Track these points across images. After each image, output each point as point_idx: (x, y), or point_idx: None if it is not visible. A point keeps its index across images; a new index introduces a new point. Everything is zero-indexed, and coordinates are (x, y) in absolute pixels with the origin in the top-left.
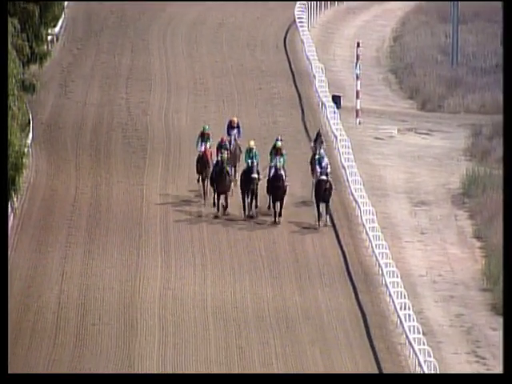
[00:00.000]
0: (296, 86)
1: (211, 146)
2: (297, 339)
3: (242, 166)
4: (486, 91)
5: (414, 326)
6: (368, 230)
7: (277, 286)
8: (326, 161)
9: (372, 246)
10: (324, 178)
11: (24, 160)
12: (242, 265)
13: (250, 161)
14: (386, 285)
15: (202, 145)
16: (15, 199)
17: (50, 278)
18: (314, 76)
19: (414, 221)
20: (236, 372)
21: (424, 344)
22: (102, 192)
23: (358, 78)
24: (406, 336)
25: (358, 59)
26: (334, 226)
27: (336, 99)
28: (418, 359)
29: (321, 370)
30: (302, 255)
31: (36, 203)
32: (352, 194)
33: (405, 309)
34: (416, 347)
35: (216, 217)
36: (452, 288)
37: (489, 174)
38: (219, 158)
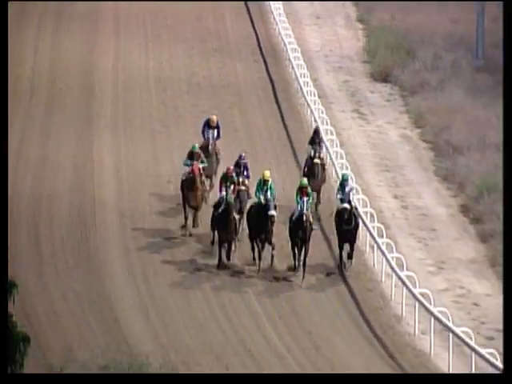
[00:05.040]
0: None
1: (202, 167)
2: (219, 101)
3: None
4: None
5: (311, 91)
6: (276, 16)
7: (204, 60)
8: (350, 185)
9: (278, 29)
10: (347, 206)
11: None
12: (179, 45)
13: (262, 194)
14: (290, 59)
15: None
16: None
17: (24, 52)
18: None
19: (311, 8)
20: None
21: (319, 104)
22: None
23: None
24: (305, 98)
25: None
26: (249, 14)
27: None
28: (314, 116)
29: (239, 129)
30: (224, 38)
31: None
32: None
33: (304, 77)
34: (313, 106)
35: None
36: (340, 60)
37: None
38: (223, 197)
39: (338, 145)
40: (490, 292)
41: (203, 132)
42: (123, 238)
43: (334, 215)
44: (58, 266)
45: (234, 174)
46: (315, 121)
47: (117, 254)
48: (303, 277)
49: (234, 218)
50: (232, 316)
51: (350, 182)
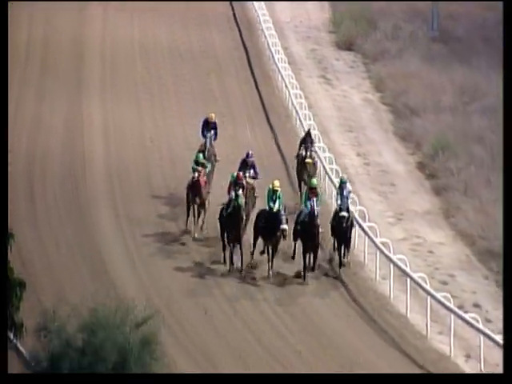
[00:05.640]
0: None
1: (206, 174)
2: (198, 68)
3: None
4: None
5: (281, 58)
6: None
7: (184, 32)
8: (348, 188)
9: (252, 2)
10: (345, 214)
11: None
12: (162, 18)
13: (272, 204)
14: (262, 29)
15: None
16: None
17: (20, 25)
18: None
19: None
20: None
21: (289, 70)
22: None
23: None
24: (276, 65)
25: None
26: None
27: None
28: (285, 81)
29: (216, 94)
30: (204, 11)
31: None
32: None
33: (275, 46)
34: (283, 73)
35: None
36: (308, 31)
37: None
38: (234, 202)
39: (307, 107)
40: (443, 241)
41: (202, 132)
42: (111, 192)
43: (330, 220)
44: (51, 218)
45: (243, 180)
46: (286, 86)
47: (105, 207)
48: (313, 269)
49: (243, 219)
50: (211, 264)
51: (348, 185)
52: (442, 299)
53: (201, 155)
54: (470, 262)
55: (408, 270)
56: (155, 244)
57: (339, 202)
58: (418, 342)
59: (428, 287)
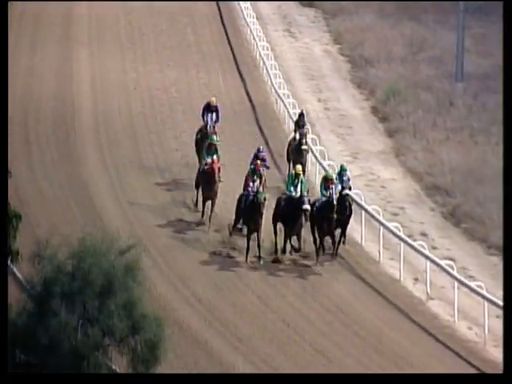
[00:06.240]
0: None
1: (219, 159)
2: (176, 22)
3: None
4: None
5: (250, 14)
6: None
7: None
8: (348, 175)
9: None
10: (348, 192)
11: None
12: None
13: (292, 188)
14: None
15: (209, 157)
16: None
17: None
18: None
19: None
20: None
21: (257, 24)
22: None
23: None
24: (245, 20)
25: None
26: None
27: None
28: (253, 35)
29: (192, 46)
30: None
31: None
32: None
33: (244, 3)
34: (252, 27)
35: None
36: None
37: None
38: (256, 194)
39: (273, 58)
40: (395, 177)
41: (203, 115)
42: (97, 137)
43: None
44: (45, 159)
45: (261, 169)
46: (254, 38)
47: (93, 150)
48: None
49: (262, 212)
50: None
51: (347, 173)
52: (393, 229)
53: (214, 137)
54: (418, 196)
55: (363, 203)
56: (137, 182)
57: (339, 186)
58: (372, 267)
59: (381, 218)
